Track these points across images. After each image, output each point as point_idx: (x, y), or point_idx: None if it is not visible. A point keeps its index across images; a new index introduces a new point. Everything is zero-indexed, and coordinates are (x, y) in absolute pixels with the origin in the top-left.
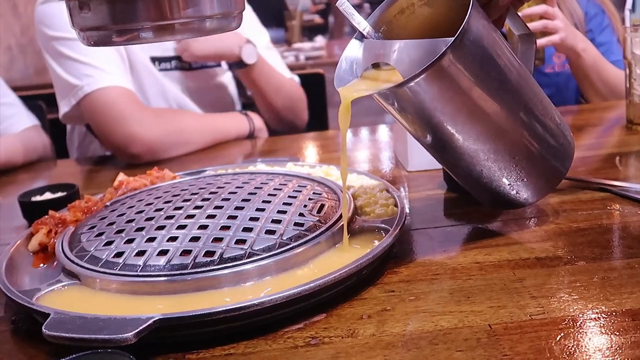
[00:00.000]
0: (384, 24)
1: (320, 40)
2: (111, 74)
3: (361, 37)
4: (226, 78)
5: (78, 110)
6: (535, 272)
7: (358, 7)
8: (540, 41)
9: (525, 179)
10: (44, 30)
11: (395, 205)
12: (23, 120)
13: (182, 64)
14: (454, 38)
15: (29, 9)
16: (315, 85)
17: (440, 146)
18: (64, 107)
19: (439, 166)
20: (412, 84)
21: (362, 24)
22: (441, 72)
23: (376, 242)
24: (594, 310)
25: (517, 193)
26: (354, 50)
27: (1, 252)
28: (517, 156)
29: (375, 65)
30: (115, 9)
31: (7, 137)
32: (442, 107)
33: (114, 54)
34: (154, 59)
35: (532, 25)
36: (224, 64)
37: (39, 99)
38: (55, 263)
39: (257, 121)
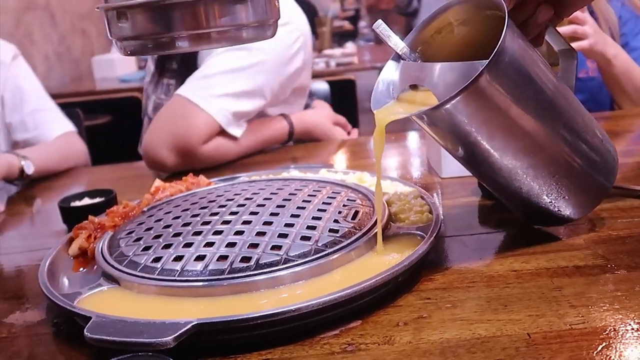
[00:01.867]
0: (421, 44)
1: (350, 46)
2: (228, 108)
3: (398, 58)
4: None
5: None
6: (574, 281)
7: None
8: None
9: (566, 197)
10: None
11: (430, 212)
12: (58, 126)
13: None
14: (489, 59)
15: (66, 19)
16: (347, 92)
17: (477, 162)
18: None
19: None
20: (448, 105)
21: (399, 45)
22: (478, 93)
23: (411, 249)
24: (636, 321)
25: (558, 210)
26: (390, 72)
27: (42, 256)
28: (558, 174)
29: (413, 86)
30: (152, 18)
31: (42, 145)
32: (479, 127)
33: (261, 101)
34: None
35: (561, 30)
36: None
37: (76, 107)
38: (95, 267)
39: (299, 124)
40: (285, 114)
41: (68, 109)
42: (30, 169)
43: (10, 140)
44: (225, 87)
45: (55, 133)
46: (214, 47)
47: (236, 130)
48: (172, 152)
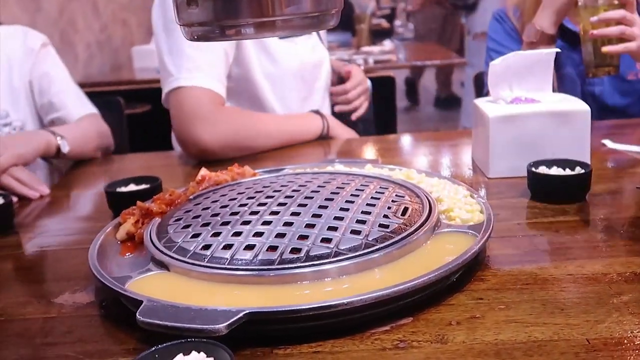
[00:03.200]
0: None
1: (388, 44)
2: (205, 74)
3: None
4: (325, 70)
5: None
6: (633, 288)
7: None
8: (616, 47)
9: None
10: (165, 13)
11: (481, 212)
12: (82, 108)
13: None
14: None
15: (108, 8)
16: (386, 89)
17: None
18: (163, 93)
19: (521, 173)
20: None
21: None
22: None
23: (463, 248)
24: None
25: None
26: None
27: (86, 240)
28: None
29: None
30: (221, 5)
31: (69, 126)
32: None
33: (220, 52)
34: None
35: (609, 31)
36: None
37: (117, 95)
38: (142, 252)
39: (331, 121)
40: (322, 113)
41: (109, 97)
42: (65, 148)
43: (41, 125)
44: (175, 59)
45: (79, 113)
46: (277, 35)
47: (217, 86)
48: (199, 128)
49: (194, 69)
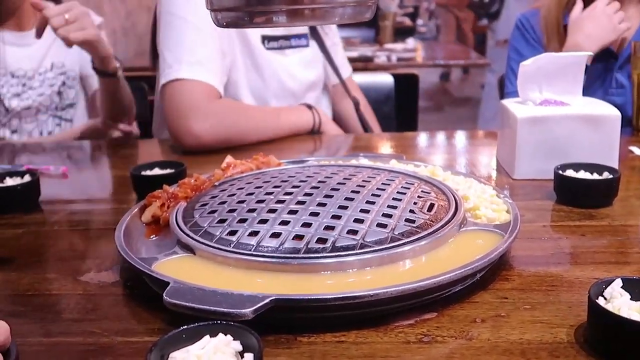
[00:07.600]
0: None
1: (411, 42)
2: (205, 68)
3: None
4: (317, 59)
5: None
6: None
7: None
8: None
9: None
10: (169, 6)
11: (507, 212)
12: None
13: (285, 42)
14: None
15: None
16: (409, 86)
17: None
18: (160, 83)
19: (547, 176)
20: None
21: None
22: None
23: (489, 247)
24: None
25: None
26: None
27: (111, 221)
28: None
29: None
30: None
31: None
32: None
33: (215, 44)
34: (264, 37)
35: None
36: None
37: (141, 81)
38: (167, 235)
39: (323, 116)
40: (314, 107)
41: (132, 83)
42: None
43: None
44: (175, 51)
45: None
46: (309, 24)
47: (214, 80)
48: (192, 120)
49: (194, 62)
